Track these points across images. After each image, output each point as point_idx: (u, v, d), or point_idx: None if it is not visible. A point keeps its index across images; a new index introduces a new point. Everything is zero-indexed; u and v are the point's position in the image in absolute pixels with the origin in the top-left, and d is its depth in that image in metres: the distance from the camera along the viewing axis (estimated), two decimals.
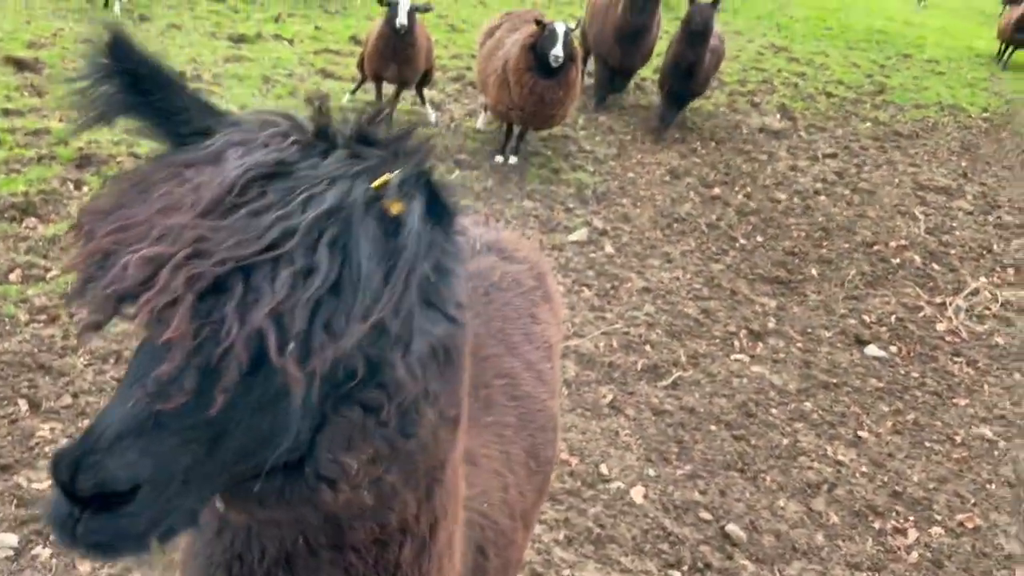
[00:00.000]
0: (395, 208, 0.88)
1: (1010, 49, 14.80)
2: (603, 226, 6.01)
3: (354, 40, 9.36)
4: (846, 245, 6.35)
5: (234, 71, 7.64)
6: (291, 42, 9.04)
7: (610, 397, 4.03)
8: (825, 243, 6.35)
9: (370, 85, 7.24)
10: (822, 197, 7.29)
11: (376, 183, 0.89)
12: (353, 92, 7.44)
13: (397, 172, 0.90)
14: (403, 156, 0.93)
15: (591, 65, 9.12)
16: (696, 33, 7.41)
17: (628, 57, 8.35)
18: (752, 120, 9.20)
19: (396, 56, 6.62)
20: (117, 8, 8.94)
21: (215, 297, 0.80)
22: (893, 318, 5.35)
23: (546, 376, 1.95)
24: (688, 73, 7.65)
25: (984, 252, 6.61)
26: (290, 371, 0.80)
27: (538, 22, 6.23)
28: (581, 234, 5.78)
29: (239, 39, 8.66)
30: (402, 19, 6.40)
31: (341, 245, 0.83)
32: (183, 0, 9.88)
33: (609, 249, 5.69)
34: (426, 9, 6.78)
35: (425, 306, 0.91)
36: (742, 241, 6.17)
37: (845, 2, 20.23)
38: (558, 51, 6.00)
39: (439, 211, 0.92)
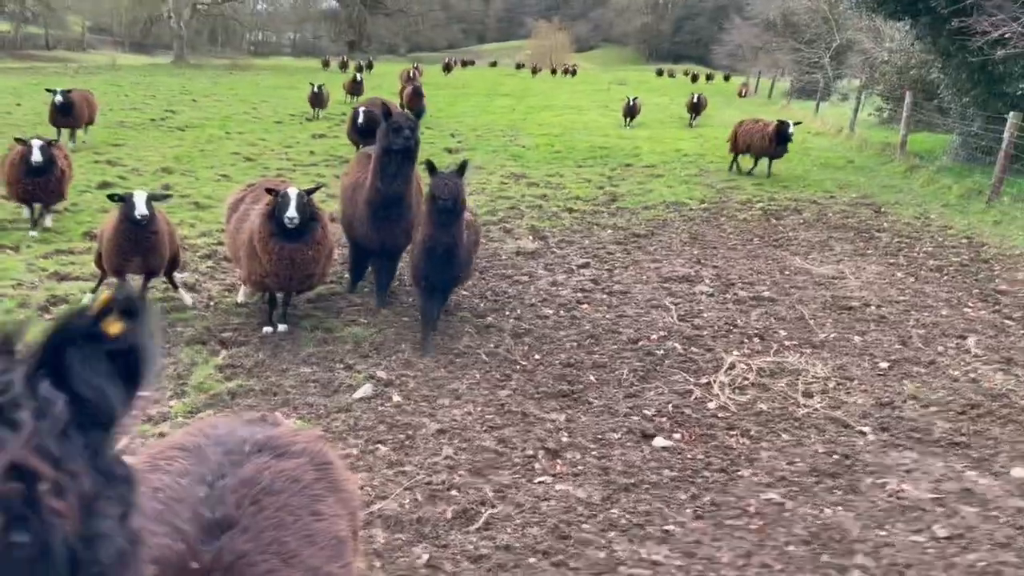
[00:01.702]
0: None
1: (751, 160, 15.91)
2: (387, 376, 5.96)
3: (88, 236, 8.85)
4: (614, 346, 6.77)
5: None
6: (16, 249, 8.36)
7: (425, 556, 3.89)
8: (596, 348, 6.73)
9: (112, 280, 6.81)
10: (584, 305, 7.77)
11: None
12: (94, 291, 6.96)
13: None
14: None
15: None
16: (445, 210, 5.98)
17: (387, 234, 7.13)
18: (508, 245, 9.73)
19: (138, 248, 6.31)
20: None
21: None
22: (670, 406, 5.71)
23: None
24: (446, 258, 6.22)
25: (731, 328, 7.32)
26: None
27: (270, 191, 6.25)
28: (366, 390, 5.69)
29: None
30: (142, 209, 6.15)
31: None
32: None
33: (397, 398, 5.63)
34: (164, 197, 6.59)
35: None
36: (522, 363, 6.37)
37: (565, 128, 22.37)
38: (291, 213, 6.04)
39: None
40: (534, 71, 58.22)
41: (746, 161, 16.08)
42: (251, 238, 6.32)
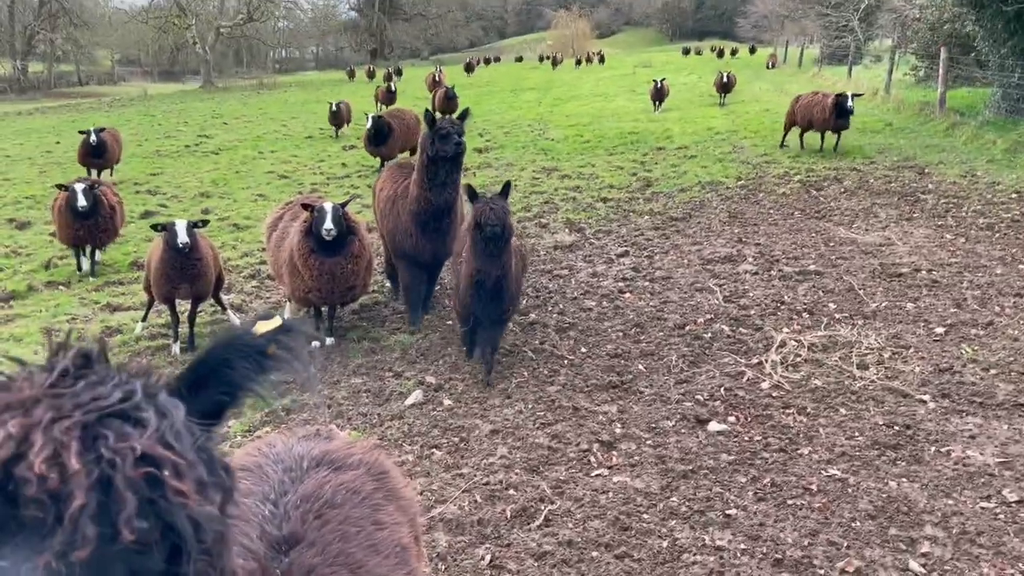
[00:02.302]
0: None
1: (817, 135, 15.11)
2: (436, 381, 6.00)
3: (136, 266, 9.06)
4: (661, 333, 6.72)
5: (9, 333, 7.10)
6: (68, 285, 8.59)
7: (488, 557, 3.91)
8: (643, 337, 6.68)
9: (162, 307, 6.97)
10: (627, 294, 7.73)
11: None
12: (144, 318, 7.12)
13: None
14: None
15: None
16: (493, 237, 5.34)
17: (438, 244, 6.83)
18: (545, 240, 9.71)
19: (185, 275, 6.45)
20: None
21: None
22: (723, 390, 5.65)
23: None
24: (495, 292, 5.63)
25: (779, 305, 7.22)
26: None
27: (306, 206, 6.35)
28: (417, 396, 5.73)
29: (8, 297, 8.11)
30: (183, 237, 6.28)
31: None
32: None
33: (448, 402, 5.67)
34: (204, 224, 6.71)
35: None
36: (569, 357, 6.36)
37: (593, 117, 22.23)
38: (328, 225, 6.12)
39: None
40: (554, 63, 55.92)
41: (811, 139, 15.38)
42: (291, 255, 6.42)
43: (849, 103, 14.29)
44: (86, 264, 8.97)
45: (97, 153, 14.20)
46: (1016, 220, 9.71)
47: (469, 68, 50.56)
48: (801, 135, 15.36)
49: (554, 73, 48.21)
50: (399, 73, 49.83)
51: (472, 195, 5.51)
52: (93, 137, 14.00)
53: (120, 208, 9.25)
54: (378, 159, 15.30)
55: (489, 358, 5.99)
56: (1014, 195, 10.87)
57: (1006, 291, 7.34)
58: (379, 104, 27.08)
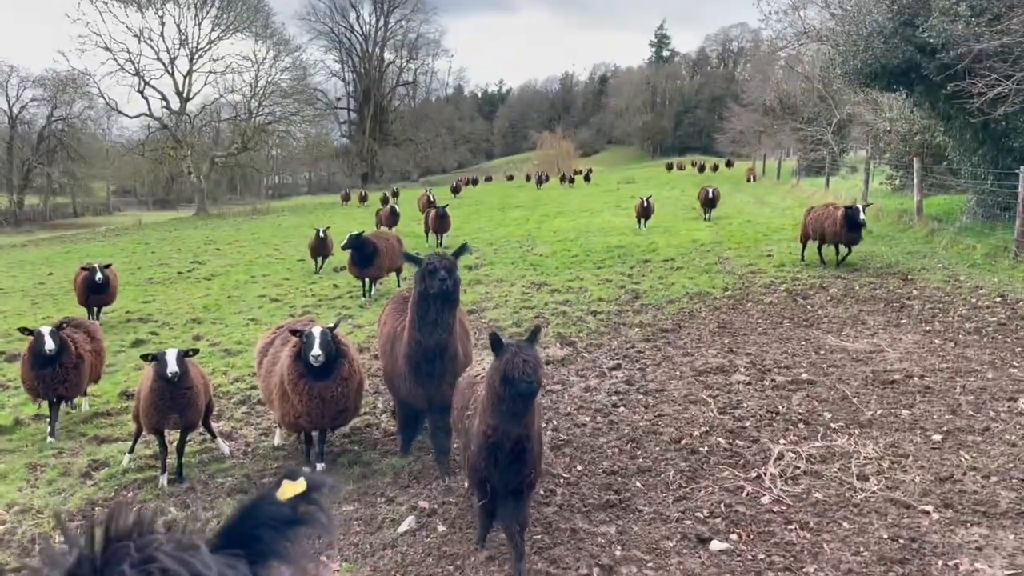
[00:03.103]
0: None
1: (829, 248, 14.84)
2: (430, 506, 5.86)
3: (125, 395, 8.97)
4: (657, 448, 6.64)
5: None
6: (52, 422, 8.46)
7: None
8: (639, 452, 6.59)
9: (151, 436, 6.86)
10: (621, 408, 7.67)
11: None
12: (131, 450, 6.99)
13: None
14: None
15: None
16: (526, 395, 4.39)
17: (433, 390, 6.28)
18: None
19: (174, 405, 6.37)
20: None
21: None
22: (723, 505, 5.54)
23: None
24: (516, 454, 4.59)
25: (774, 416, 7.17)
26: None
27: (294, 332, 6.34)
28: (410, 522, 5.58)
29: None
30: (172, 367, 6.22)
31: None
32: None
33: (442, 528, 5.52)
34: (195, 352, 6.69)
35: None
36: (565, 475, 6.24)
37: (580, 232, 22.70)
38: (316, 351, 6.07)
39: None
40: (539, 182, 55.64)
41: (827, 252, 15.00)
42: (281, 380, 6.38)
43: (861, 216, 13.96)
44: (53, 423, 7.79)
45: (100, 290, 13.45)
46: (1003, 323, 9.80)
47: (455, 190, 51.65)
48: (819, 248, 14.92)
49: (540, 191, 49.46)
50: (396, 195, 50.85)
51: (497, 344, 4.53)
52: (99, 274, 13.18)
53: (95, 357, 8.42)
54: (366, 280, 15.11)
55: (518, 540, 4.77)
56: (998, 299, 11.02)
57: (999, 395, 7.33)
58: (382, 227, 26.27)
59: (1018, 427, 6.55)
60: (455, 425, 5.59)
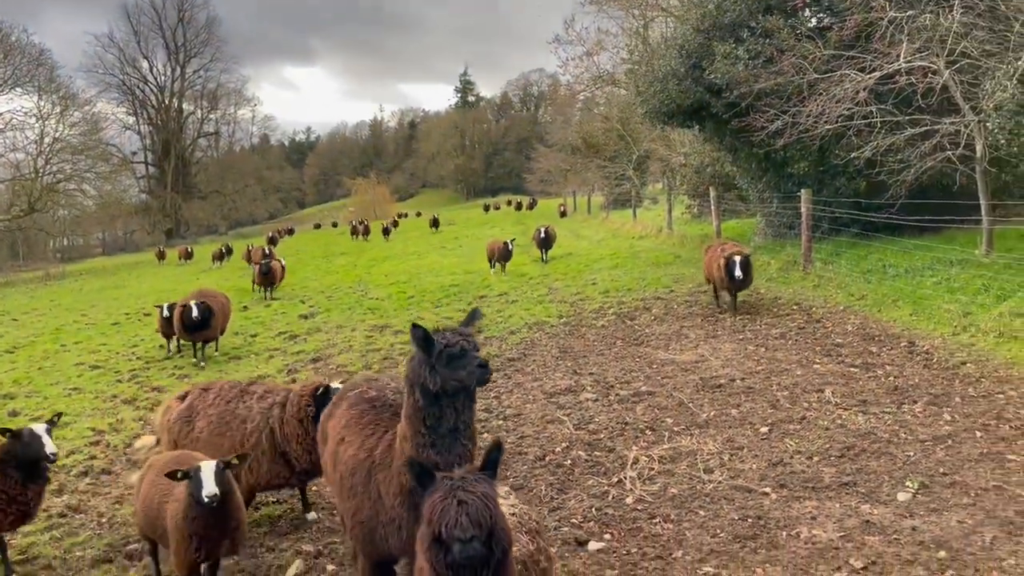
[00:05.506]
0: None
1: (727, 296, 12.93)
2: (314, 548, 5.88)
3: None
4: (525, 467, 7.03)
5: None
6: None
7: None
8: (509, 472, 6.95)
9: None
10: (484, 435, 8.00)
11: None
12: None
13: None
14: None
15: None
16: (466, 564, 2.75)
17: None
18: None
19: (220, 527, 4.89)
20: None
21: None
22: (593, 510, 6.00)
23: None
24: None
25: (623, 426, 7.78)
26: None
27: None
28: (297, 566, 5.56)
29: None
30: (210, 488, 4.65)
31: None
32: None
33: (331, 567, 5.57)
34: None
35: None
36: None
37: (411, 274, 23.01)
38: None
39: None
40: (365, 232, 50.01)
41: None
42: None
43: (736, 271, 11.96)
44: None
45: None
46: (802, 327, 11.14)
47: (272, 241, 49.60)
48: (715, 293, 13.55)
49: (366, 241, 49.15)
50: (273, 242, 46.95)
51: (420, 471, 3.03)
52: None
53: None
54: (198, 343, 13.89)
55: None
56: (795, 306, 12.48)
57: (809, 388, 8.38)
58: (258, 287, 22.38)
59: (828, 413, 7.55)
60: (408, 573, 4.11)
